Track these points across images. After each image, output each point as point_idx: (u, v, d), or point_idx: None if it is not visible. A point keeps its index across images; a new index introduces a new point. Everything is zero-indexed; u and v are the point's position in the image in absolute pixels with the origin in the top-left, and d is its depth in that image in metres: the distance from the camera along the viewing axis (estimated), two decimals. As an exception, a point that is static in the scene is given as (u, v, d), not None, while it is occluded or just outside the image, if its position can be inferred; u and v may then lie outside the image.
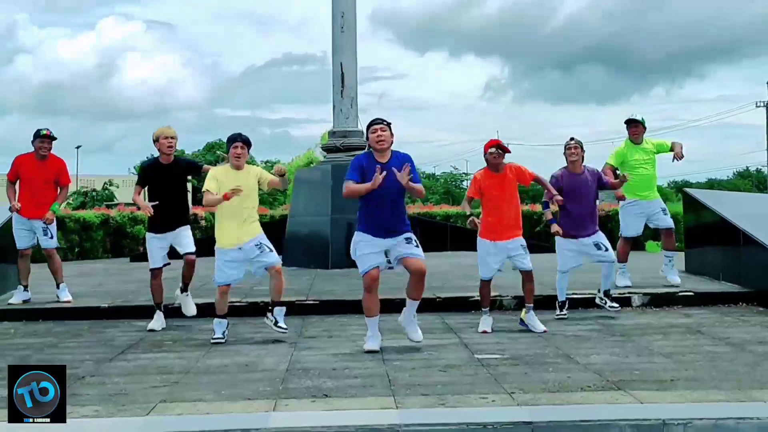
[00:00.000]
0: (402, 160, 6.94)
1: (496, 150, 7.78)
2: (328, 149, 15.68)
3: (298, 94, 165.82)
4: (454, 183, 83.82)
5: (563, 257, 8.66)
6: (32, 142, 9.80)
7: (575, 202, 8.55)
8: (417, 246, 6.96)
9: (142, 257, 14.35)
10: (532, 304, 8.01)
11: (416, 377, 5.91)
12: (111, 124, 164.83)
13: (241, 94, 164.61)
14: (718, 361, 6.33)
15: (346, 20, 14.91)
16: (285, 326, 7.69)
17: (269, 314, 7.74)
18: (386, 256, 6.93)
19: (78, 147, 72.98)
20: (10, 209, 9.78)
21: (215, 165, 8.11)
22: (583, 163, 8.68)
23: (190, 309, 8.63)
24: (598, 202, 8.93)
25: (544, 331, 7.81)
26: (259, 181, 7.71)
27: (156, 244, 8.42)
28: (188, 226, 8.62)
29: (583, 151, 8.66)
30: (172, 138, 8.39)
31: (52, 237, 9.88)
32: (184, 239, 8.46)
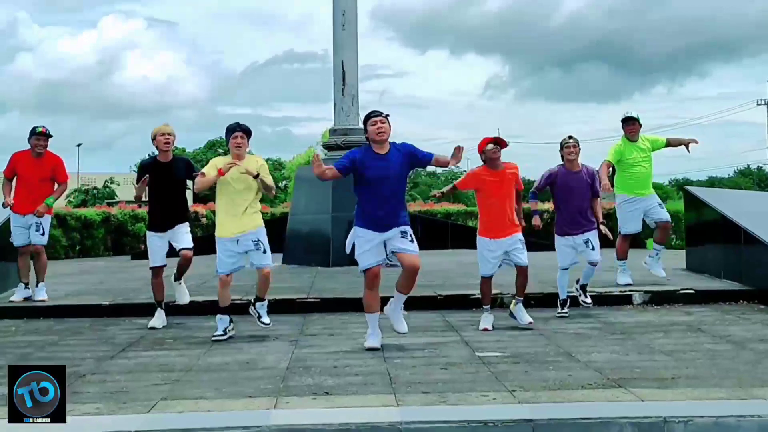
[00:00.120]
0: (401, 148, 6.97)
1: (495, 145, 7.78)
2: (329, 147, 15.68)
3: (300, 92, 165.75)
4: (454, 181, 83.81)
5: (562, 254, 8.67)
6: (28, 139, 9.80)
7: (570, 199, 8.55)
8: (412, 240, 6.94)
9: (143, 255, 14.36)
10: (522, 298, 8.08)
11: (417, 375, 5.91)
12: (112, 122, 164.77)
13: (243, 92, 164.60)
14: (718, 359, 6.33)
15: (347, 18, 14.90)
16: (268, 321, 7.75)
17: (252, 308, 7.84)
18: (385, 251, 6.92)
19: (79, 145, 73.01)
20: (3, 205, 9.79)
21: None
22: (580, 161, 8.68)
23: (184, 298, 8.62)
24: (598, 200, 8.92)
25: (530, 323, 7.88)
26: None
27: (156, 243, 8.42)
28: (187, 224, 8.62)
29: (579, 149, 8.67)
30: (168, 135, 8.39)
31: (43, 234, 9.85)
32: (183, 236, 8.45)
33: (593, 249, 8.62)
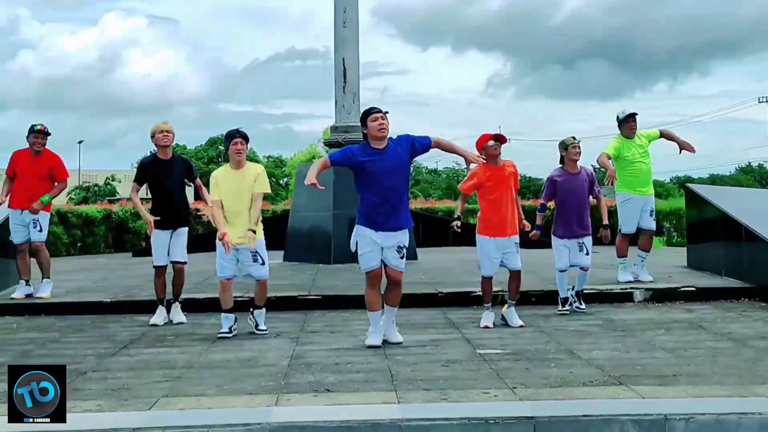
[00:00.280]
0: (398, 142, 6.96)
1: (495, 142, 7.78)
2: (330, 144, 15.67)
3: (301, 89, 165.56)
4: (456, 178, 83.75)
5: (560, 255, 8.65)
6: (27, 137, 9.80)
7: (569, 200, 8.55)
8: (403, 257, 6.97)
9: (144, 252, 14.39)
10: (514, 302, 8.09)
11: (418, 372, 5.91)
12: (113, 119, 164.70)
13: (244, 90, 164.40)
14: (719, 357, 6.32)
15: (348, 15, 14.89)
16: (265, 328, 7.76)
17: (251, 316, 7.84)
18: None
19: (80, 142, 73.14)
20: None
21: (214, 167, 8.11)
22: (579, 163, 8.69)
23: (179, 318, 8.49)
24: (602, 201, 8.92)
25: (521, 326, 7.87)
26: (254, 182, 7.63)
27: (159, 241, 8.43)
28: (186, 230, 8.60)
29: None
30: (167, 131, 8.39)
31: (41, 230, 9.84)
32: (177, 246, 8.44)
33: (587, 254, 8.61)
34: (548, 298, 9.15)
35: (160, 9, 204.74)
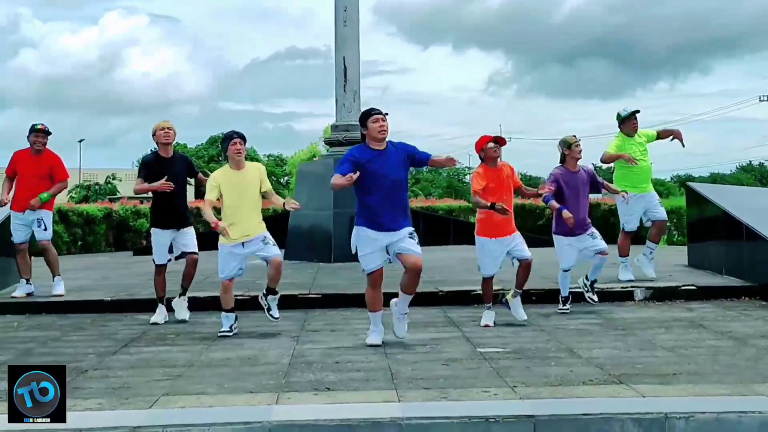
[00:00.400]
0: (398, 147, 6.95)
1: (495, 144, 7.78)
2: (330, 143, 15.70)
3: (302, 88, 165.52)
4: (456, 177, 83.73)
5: (564, 255, 8.64)
6: (27, 137, 9.82)
7: (573, 199, 8.54)
8: (417, 243, 6.90)
9: (145, 251, 14.38)
10: (521, 291, 8.05)
11: (418, 371, 5.91)
12: (114, 117, 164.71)
13: (244, 88, 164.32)
14: (720, 355, 6.33)
15: (348, 14, 14.90)
16: (277, 315, 7.73)
17: (263, 298, 7.77)
18: (387, 253, 6.90)
19: (81, 141, 73.01)
20: (1, 203, 9.82)
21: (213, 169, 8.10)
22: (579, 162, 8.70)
23: (183, 313, 8.50)
24: (600, 195, 8.93)
25: (524, 320, 7.89)
26: (261, 185, 7.69)
27: (161, 240, 8.43)
28: (192, 227, 8.64)
29: None
30: (168, 129, 8.41)
31: (46, 229, 9.86)
32: (189, 239, 8.49)
33: (600, 238, 8.61)
34: (549, 296, 9.15)
35: (161, 8, 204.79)
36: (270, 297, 7.76)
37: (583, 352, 6.54)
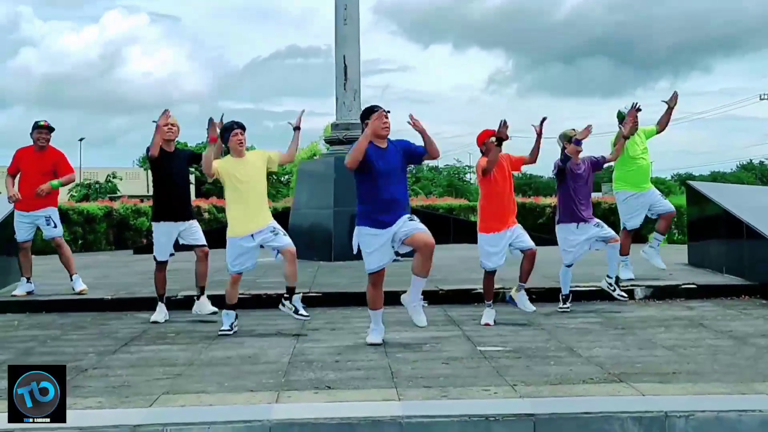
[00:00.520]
0: (397, 144, 6.93)
1: (497, 138, 7.77)
2: (331, 142, 15.69)
3: (302, 86, 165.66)
4: (457, 176, 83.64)
5: (567, 246, 8.62)
6: (31, 134, 9.84)
7: (577, 185, 8.54)
8: (419, 222, 6.79)
9: (146, 249, 14.40)
10: (525, 284, 8.04)
11: (419, 369, 5.92)
12: (114, 117, 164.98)
13: (245, 87, 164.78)
14: (720, 354, 6.33)
15: (349, 12, 14.89)
16: (307, 313, 7.63)
17: (287, 302, 7.63)
18: (393, 247, 6.84)
19: (81, 139, 73.00)
20: (9, 200, 9.80)
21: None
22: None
23: (208, 308, 8.48)
24: (600, 194, 8.93)
25: (533, 311, 7.92)
26: (269, 162, 7.73)
27: (163, 235, 8.43)
28: (196, 221, 8.65)
29: None
30: (172, 125, 8.43)
31: (55, 226, 9.89)
32: (196, 233, 8.49)
33: (607, 228, 8.62)
34: (549, 295, 9.14)
35: (162, 6, 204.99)
36: (295, 297, 7.64)
37: (583, 350, 6.54)
